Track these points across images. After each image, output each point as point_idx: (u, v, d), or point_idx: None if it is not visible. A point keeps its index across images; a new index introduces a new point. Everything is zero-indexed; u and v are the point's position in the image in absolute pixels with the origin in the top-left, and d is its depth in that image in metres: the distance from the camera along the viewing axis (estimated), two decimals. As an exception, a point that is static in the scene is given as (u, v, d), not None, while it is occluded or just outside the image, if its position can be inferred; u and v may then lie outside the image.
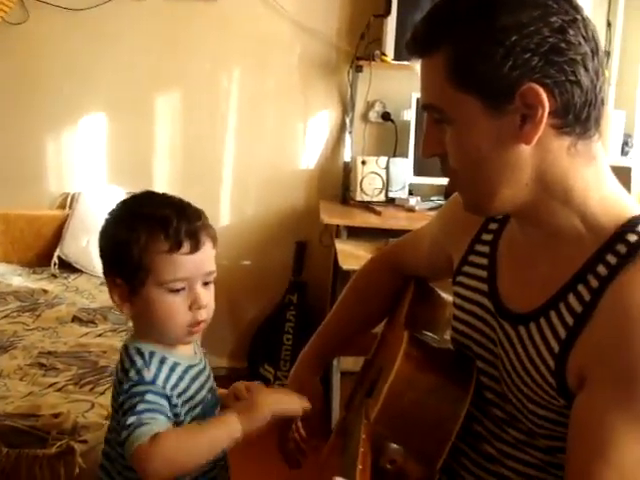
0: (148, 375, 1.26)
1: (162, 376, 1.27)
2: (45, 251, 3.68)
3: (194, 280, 1.29)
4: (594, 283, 1.04)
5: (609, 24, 3.57)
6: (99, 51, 3.71)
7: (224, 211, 3.94)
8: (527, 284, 1.16)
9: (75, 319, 2.99)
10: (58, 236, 3.67)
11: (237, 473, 1.47)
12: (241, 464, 1.55)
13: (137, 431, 1.20)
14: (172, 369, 1.30)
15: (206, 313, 1.32)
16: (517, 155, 1.04)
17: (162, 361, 1.30)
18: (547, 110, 1.00)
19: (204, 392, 1.35)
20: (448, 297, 1.40)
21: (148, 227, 1.27)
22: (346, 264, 3.01)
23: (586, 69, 1.02)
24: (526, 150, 1.04)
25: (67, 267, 3.58)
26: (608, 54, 3.55)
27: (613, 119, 3.38)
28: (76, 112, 3.79)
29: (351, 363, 3.20)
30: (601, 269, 1.04)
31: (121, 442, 1.23)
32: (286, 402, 1.35)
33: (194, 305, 1.29)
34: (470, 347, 1.26)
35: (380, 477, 1.09)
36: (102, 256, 1.35)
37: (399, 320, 1.42)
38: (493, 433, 1.21)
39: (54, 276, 3.52)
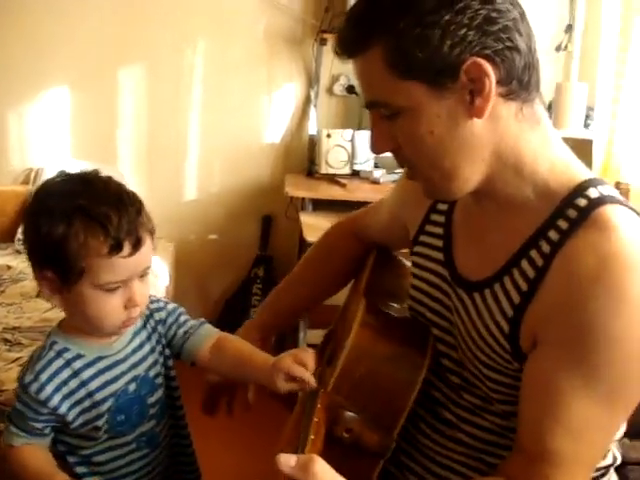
0: (26, 378, 1.26)
1: (43, 378, 1.25)
2: (9, 227, 3.64)
3: (131, 279, 1.23)
4: (546, 248, 1.06)
5: (572, -3, 3.58)
6: (61, 22, 3.65)
7: (190, 185, 3.92)
8: (481, 252, 1.17)
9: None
10: (22, 212, 3.63)
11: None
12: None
13: (7, 430, 1.29)
14: (67, 364, 1.27)
15: (140, 309, 1.28)
16: (471, 131, 1.05)
17: (59, 354, 1.27)
18: (494, 80, 1.01)
19: (120, 383, 1.31)
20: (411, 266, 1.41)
21: (87, 224, 1.17)
22: (311, 236, 3.01)
23: (520, 33, 1.03)
24: (479, 124, 1.05)
25: (31, 243, 3.54)
26: (571, 27, 3.58)
27: (576, 92, 3.39)
28: (38, 85, 3.74)
29: (318, 336, 3.20)
30: (552, 234, 1.06)
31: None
32: None
33: (129, 303, 1.24)
34: (425, 315, 1.27)
35: (336, 447, 1.09)
36: (31, 248, 1.26)
37: (359, 289, 1.42)
38: (450, 399, 1.23)
39: (18, 252, 3.48)
